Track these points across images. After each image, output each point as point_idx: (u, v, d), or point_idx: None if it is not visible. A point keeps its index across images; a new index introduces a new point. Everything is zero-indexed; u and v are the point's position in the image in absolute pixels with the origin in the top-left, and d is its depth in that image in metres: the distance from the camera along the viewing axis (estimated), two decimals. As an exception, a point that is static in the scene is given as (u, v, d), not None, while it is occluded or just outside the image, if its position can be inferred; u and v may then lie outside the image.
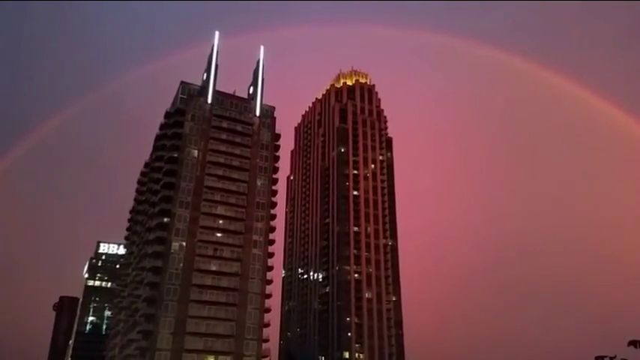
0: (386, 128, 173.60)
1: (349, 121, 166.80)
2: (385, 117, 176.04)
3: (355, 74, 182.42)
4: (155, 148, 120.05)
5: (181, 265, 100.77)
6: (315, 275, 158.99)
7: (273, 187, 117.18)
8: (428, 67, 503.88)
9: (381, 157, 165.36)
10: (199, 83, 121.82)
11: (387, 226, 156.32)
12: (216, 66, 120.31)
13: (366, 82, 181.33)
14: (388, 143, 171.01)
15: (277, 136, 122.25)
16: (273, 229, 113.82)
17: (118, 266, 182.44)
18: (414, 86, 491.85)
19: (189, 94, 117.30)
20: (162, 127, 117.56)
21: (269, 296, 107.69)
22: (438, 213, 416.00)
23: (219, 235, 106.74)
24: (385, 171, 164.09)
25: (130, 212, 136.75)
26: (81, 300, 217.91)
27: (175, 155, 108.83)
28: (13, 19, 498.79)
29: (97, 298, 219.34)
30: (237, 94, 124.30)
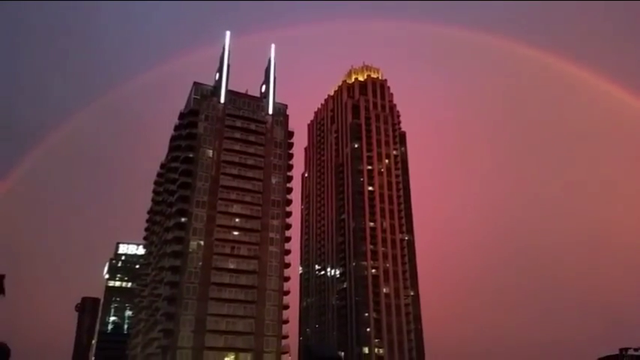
0: (399, 123, 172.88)
1: (362, 116, 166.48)
2: (398, 112, 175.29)
3: (367, 69, 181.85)
4: (170, 149, 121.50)
5: (200, 263, 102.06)
6: (332, 271, 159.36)
7: (288, 185, 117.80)
8: (441, 59, 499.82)
9: (395, 152, 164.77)
10: (212, 83, 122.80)
11: (403, 220, 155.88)
12: (228, 66, 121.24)
13: (377, 77, 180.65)
14: (402, 138, 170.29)
15: (290, 134, 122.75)
16: (289, 227, 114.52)
17: (137, 266, 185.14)
18: (427, 79, 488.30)
19: (203, 95, 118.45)
20: (176, 127, 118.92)
21: (287, 293, 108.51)
22: (454, 205, 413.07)
23: (235, 233, 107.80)
24: (399, 166, 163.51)
25: (148, 213, 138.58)
26: (102, 300, 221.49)
27: (190, 155, 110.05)
28: (23, 23, 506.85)
29: (118, 298, 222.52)
30: (249, 92, 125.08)
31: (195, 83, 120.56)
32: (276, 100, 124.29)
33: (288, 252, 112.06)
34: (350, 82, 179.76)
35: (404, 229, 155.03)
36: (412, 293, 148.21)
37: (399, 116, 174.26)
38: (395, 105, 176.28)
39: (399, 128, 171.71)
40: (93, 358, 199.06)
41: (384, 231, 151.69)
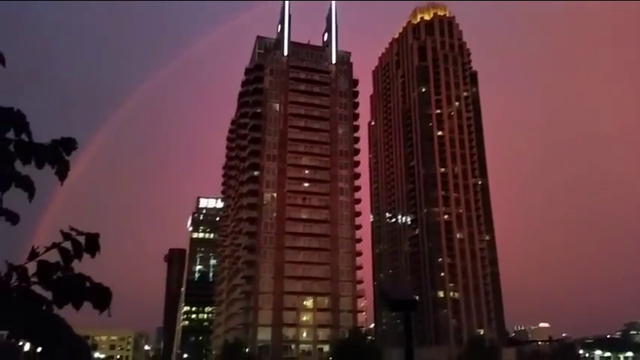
0: (469, 62, 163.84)
1: (429, 58, 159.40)
2: (468, 50, 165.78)
3: (433, 7, 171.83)
4: (239, 105, 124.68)
5: (274, 214, 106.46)
6: (404, 219, 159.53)
7: (355, 134, 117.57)
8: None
9: (465, 94, 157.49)
10: (274, 36, 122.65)
11: (476, 164, 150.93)
12: (289, 16, 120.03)
13: (445, 15, 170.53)
14: (473, 78, 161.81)
15: (355, 82, 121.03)
16: (357, 176, 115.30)
17: (217, 219, 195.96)
18: (500, 13, 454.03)
19: (266, 48, 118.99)
20: (243, 83, 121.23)
21: (359, 240, 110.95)
22: (531, 145, 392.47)
23: (306, 184, 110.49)
24: (471, 107, 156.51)
25: (224, 168, 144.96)
26: (188, 251, 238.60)
27: (259, 110, 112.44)
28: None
29: (202, 249, 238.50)
30: (311, 42, 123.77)
31: (258, 37, 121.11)
32: (339, 49, 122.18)
33: (358, 201, 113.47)
34: (415, 22, 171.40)
35: (477, 173, 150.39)
36: (487, 237, 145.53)
37: (469, 55, 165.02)
38: (465, 43, 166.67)
39: (470, 68, 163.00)
40: (183, 304, 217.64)
41: (455, 176, 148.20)
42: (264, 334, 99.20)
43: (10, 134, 2.52)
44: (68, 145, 2.64)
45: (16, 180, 2.49)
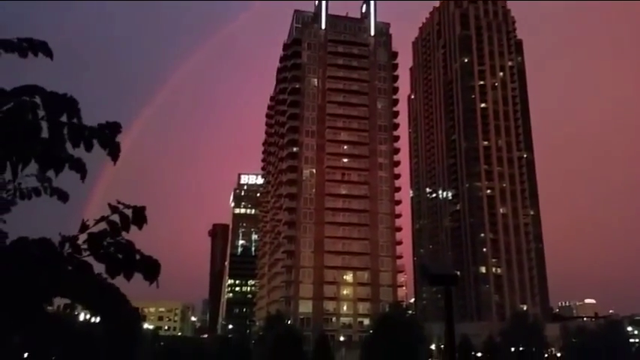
0: (514, 30, 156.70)
1: (472, 27, 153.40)
2: (513, 17, 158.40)
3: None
4: (278, 81, 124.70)
5: (313, 190, 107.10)
6: (444, 194, 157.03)
7: (394, 108, 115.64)
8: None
9: (510, 63, 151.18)
10: (312, 10, 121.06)
11: (521, 137, 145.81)
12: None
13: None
14: (518, 47, 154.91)
15: (394, 55, 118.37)
16: (397, 151, 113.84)
17: (258, 194, 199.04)
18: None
19: (304, 23, 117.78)
20: (281, 59, 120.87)
21: (399, 216, 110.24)
22: (580, 117, 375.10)
23: (345, 160, 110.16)
24: (516, 78, 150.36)
25: (263, 144, 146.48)
26: (231, 226, 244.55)
27: (297, 86, 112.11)
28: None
29: (244, 224, 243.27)
30: (349, 15, 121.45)
31: (295, 11, 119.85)
32: (378, 20, 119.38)
33: (397, 176, 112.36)
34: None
35: (522, 146, 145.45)
36: (532, 212, 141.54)
37: (514, 22, 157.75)
38: (509, 10, 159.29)
39: (515, 36, 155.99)
40: (227, 277, 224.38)
41: (499, 149, 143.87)
42: (306, 307, 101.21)
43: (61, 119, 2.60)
44: (113, 128, 2.74)
45: (69, 162, 2.63)
